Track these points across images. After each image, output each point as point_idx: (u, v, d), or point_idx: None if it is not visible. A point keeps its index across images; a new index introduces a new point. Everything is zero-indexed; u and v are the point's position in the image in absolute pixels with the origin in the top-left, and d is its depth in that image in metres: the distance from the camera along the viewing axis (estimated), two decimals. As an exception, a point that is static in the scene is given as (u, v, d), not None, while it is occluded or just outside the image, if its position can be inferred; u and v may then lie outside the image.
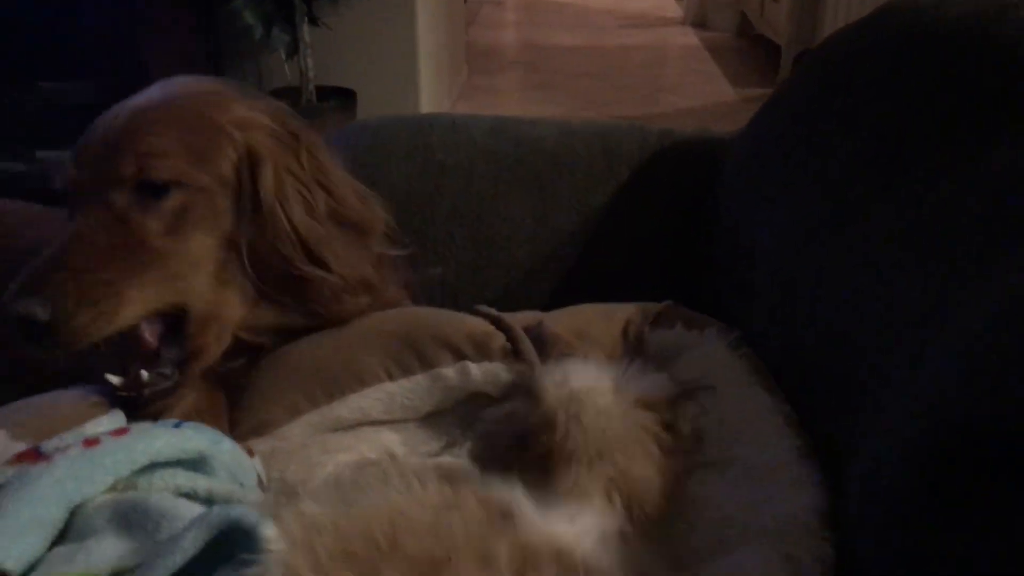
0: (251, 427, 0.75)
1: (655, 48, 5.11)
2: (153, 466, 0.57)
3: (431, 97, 3.22)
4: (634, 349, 0.82)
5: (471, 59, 4.45)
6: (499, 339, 0.81)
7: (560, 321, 0.84)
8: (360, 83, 3.03)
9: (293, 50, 2.87)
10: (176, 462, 0.58)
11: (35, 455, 0.55)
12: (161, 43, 2.69)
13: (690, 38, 5.32)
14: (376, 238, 0.84)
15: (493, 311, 0.84)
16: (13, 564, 0.50)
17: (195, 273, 0.72)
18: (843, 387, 0.70)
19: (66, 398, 0.68)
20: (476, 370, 0.78)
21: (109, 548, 0.51)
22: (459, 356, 0.79)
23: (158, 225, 0.70)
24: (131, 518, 0.52)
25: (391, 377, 0.78)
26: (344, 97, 2.99)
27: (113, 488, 0.56)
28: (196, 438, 0.60)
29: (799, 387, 0.76)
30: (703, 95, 4.01)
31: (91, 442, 0.56)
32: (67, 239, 0.67)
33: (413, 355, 0.78)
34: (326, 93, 2.97)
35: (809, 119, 0.93)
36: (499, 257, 1.08)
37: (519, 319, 0.83)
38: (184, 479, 0.57)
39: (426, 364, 0.78)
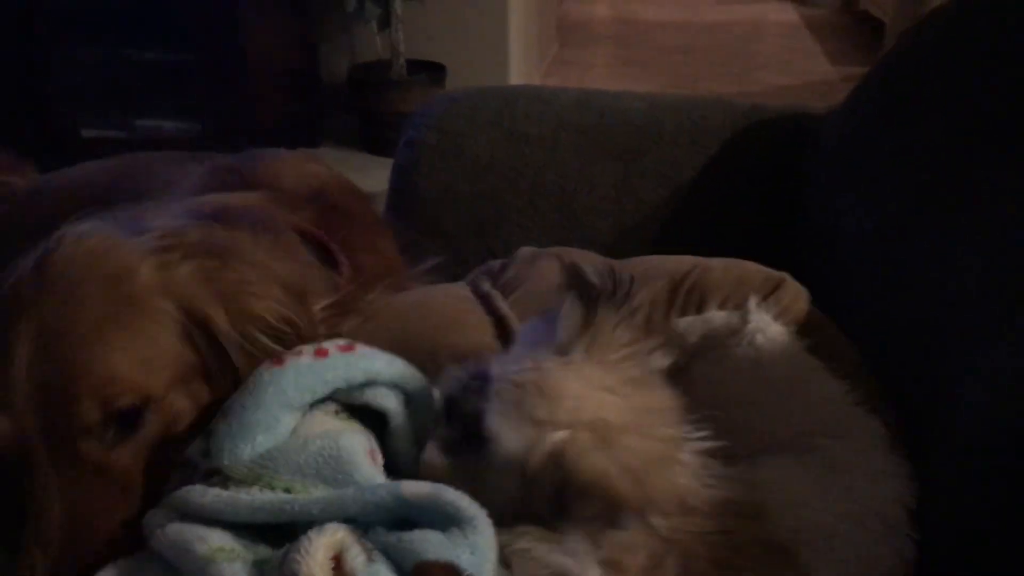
0: None
1: (751, 24, 4.98)
2: (367, 383, 0.60)
3: (520, 71, 3.21)
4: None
5: (562, 33, 4.42)
6: (493, 347, 0.76)
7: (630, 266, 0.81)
8: (450, 57, 3.04)
9: (385, 23, 2.90)
10: (389, 383, 0.61)
11: (279, 359, 0.59)
12: (256, 15, 2.75)
13: (789, 14, 5.17)
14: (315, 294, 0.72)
15: (505, 310, 0.80)
16: (229, 462, 0.55)
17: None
18: (930, 372, 0.68)
19: None
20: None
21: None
22: None
23: (140, 459, 0.60)
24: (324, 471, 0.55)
25: None
26: (434, 71, 3.00)
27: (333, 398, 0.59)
28: (403, 363, 0.62)
29: (882, 371, 0.74)
30: (800, 73, 3.89)
31: (321, 352, 0.59)
32: (56, 520, 0.57)
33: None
34: (416, 67, 2.99)
35: (905, 100, 0.89)
36: (582, 229, 1.08)
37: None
38: (393, 402, 0.60)
39: None
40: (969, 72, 0.81)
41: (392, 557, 0.49)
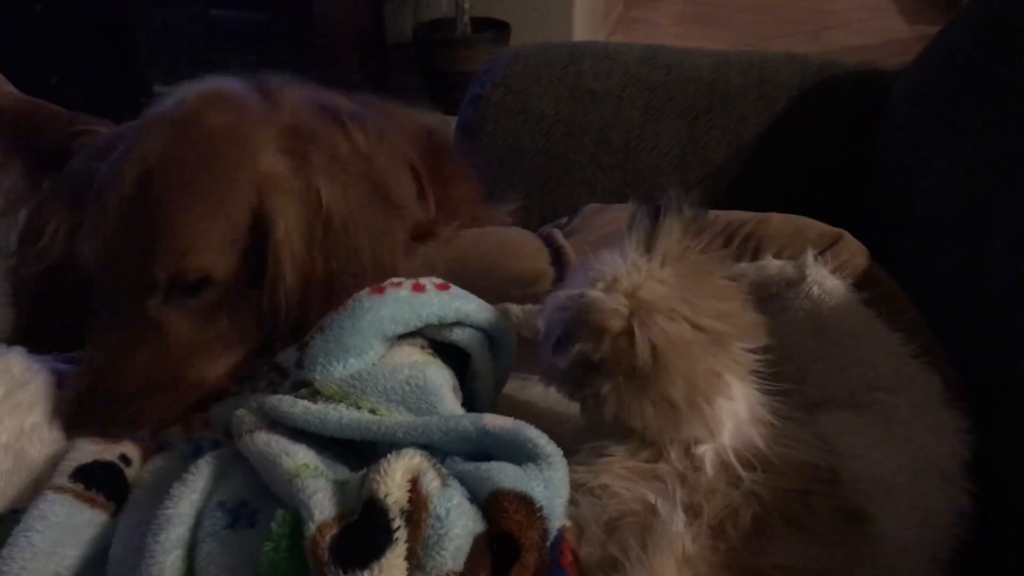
0: None
1: (824, -19, 4.83)
2: (456, 323, 0.62)
3: (585, 29, 3.17)
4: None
5: (628, -9, 4.35)
6: (548, 279, 0.78)
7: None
8: (514, 15, 3.02)
9: (450, -19, 2.90)
10: (477, 325, 0.63)
11: (379, 288, 0.61)
12: (325, -27, 2.77)
13: (863, -30, 5.00)
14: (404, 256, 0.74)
15: (562, 240, 0.82)
16: (321, 378, 0.57)
17: (220, 358, 0.68)
18: (991, 337, 0.67)
19: None
20: (517, 311, 0.75)
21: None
22: (503, 297, 0.75)
23: (190, 325, 0.65)
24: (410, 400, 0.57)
25: None
26: (498, 29, 2.99)
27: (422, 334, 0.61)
28: (491, 309, 0.64)
29: (950, 329, 0.73)
30: (874, 32, 3.77)
31: (419, 287, 0.61)
32: (109, 359, 0.64)
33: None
34: (480, 24, 2.98)
35: (978, 61, 0.86)
36: (646, 186, 1.07)
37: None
38: (479, 344, 0.62)
39: None
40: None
41: (467, 484, 0.50)
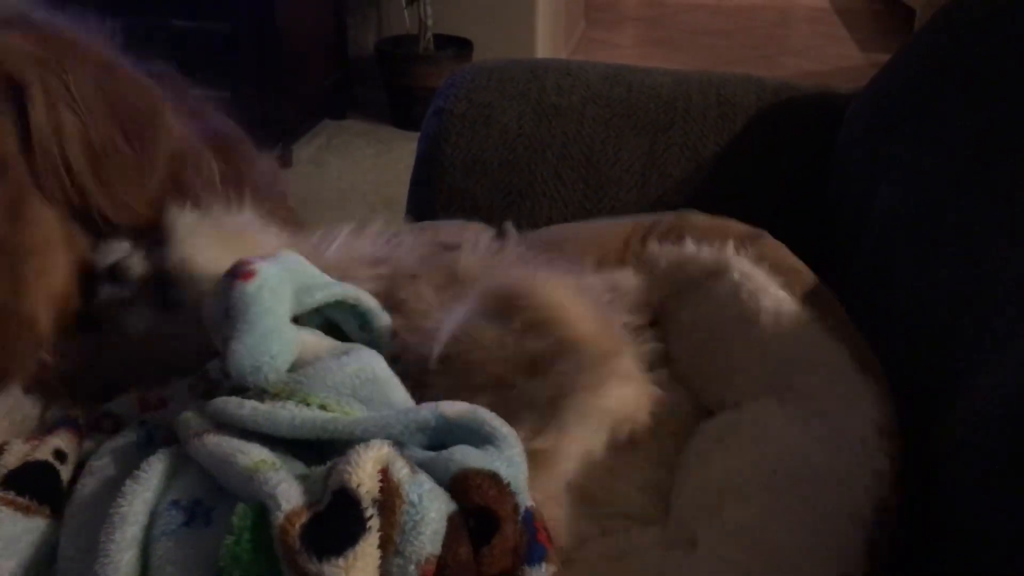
0: None
1: (781, 9, 4.94)
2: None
3: (547, 49, 3.21)
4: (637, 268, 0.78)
5: (589, 12, 4.41)
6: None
7: (563, 234, 0.85)
8: (477, 33, 3.05)
9: (413, -3, 2.91)
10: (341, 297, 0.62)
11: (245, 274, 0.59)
12: (288, -14, 2.76)
13: (819, 0, 5.13)
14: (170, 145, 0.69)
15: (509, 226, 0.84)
16: (254, 380, 0.56)
17: (57, 252, 0.64)
18: (945, 341, 0.69)
19: None
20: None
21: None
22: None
23: (2, 220, 0.60)
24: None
25: None
26: (461, 46, 3.01)
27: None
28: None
29: (904, 335, 0.75)
30: (829, 58, 3.87)
31: (248, 276, 0.58)
32: None
33: None
34: (444, 42, 3.00)
35: (931, 83, 0.90)
36: (608, 200, 1.09)
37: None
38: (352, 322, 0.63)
39: None
40: (1002, 54, 0.81)
41: (430, 471, 0.50)
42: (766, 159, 1.09)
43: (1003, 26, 0.83)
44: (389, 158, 2.83)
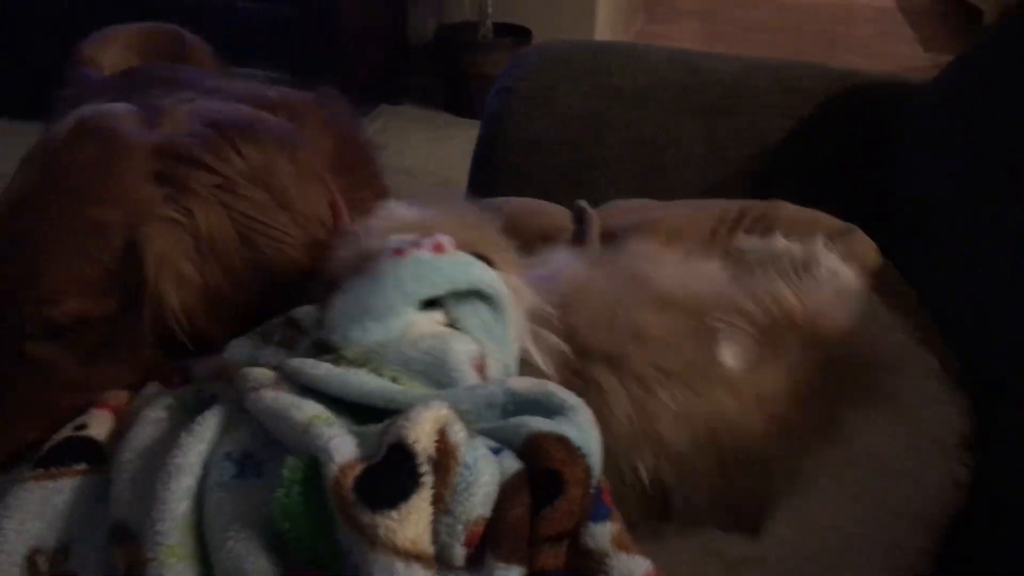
0: None
1: (843, 6, 4.86)
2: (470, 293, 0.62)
3: (606, 39, 3.20)
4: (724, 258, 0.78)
5: (648, 5, 4.39)
6: (568, 232, 0.83)
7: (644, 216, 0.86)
8: (536, 22, 3.05)
9: (474, -15, 2.93)
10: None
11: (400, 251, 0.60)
12: (352, -29, 2.80)
13: (883, -2, 5.04)
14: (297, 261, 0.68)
15: (586, 205, 0.86)
16: (339, 340, 0.57)
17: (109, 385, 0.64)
18: (999, 340, 0.69)
19: None
20: None
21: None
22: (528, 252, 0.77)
23: (74, 359, 0.62)
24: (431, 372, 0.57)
25: None
26: (520, 35, 3.02)
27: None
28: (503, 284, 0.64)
29: (960, 327, 0.75)
30: (891, 58, 3.80)
31: (439, 247, 0.60)
32: (14, 401, 0.62)
33: None
34: (502, 30, 3.01)
35: (1002, 80, 0.89)
36: (666, 182, 1.09)
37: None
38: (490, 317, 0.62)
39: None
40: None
41: (498, 438, 0.50)
42: (828, 147, 1.08)
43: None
44: (444, 144, 2.85)
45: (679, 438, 0.62)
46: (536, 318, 0.66)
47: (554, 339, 0.65)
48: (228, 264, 0.63)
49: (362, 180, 0.78)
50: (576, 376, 0.64)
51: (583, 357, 0.65)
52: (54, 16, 2.66)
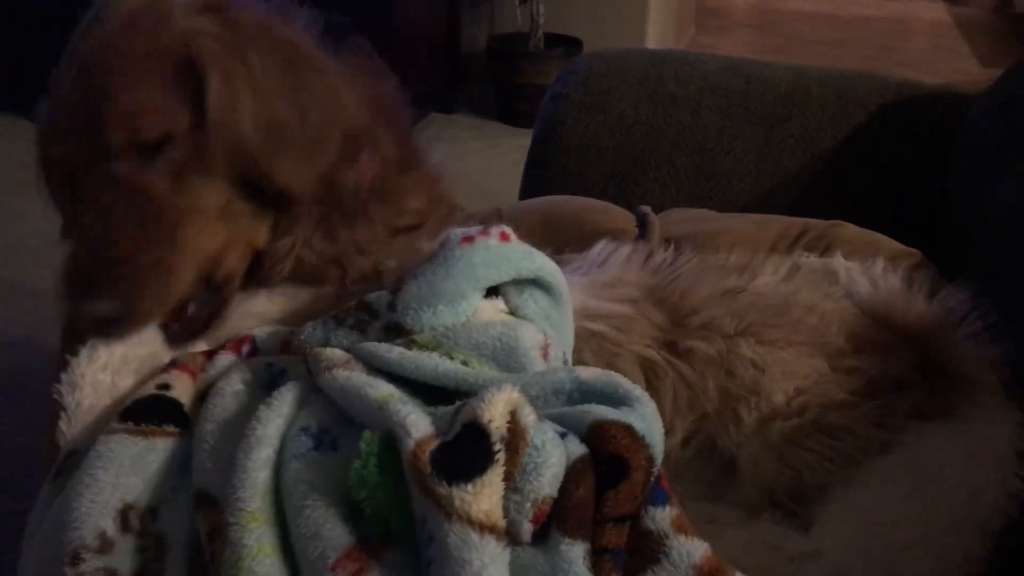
0: None
1: (899, 20, 4.81)
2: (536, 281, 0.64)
3: (656, 52, 3.21)
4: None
5: (699, 18, 4.38)
6: (631, 236, 0.86)
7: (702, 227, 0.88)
8: (588, 33, 3.07)
9: (526, -4, 2.95)
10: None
11: (468, 238, 0.63)
12: (407, -18, 2.84)
13: (940, 13, 4.97)
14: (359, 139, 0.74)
15: (649, 210, 0.89)
16: (411, 322, 0.59)
17: (214, 219, 0.69)
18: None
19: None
20: None
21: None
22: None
23: (166, 184, 0.66)
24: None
25: None
26: (571, 45, 3.04)
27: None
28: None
29: (1015, 338, 0.74)
30: (947, 73, 3.75)
31: (505, 236, 0.63)
32: (94, 224, 0.65)
33: (552, 240, 0.79)
34: (554, 40, 3.03)
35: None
36: (719, 189, 1.10)
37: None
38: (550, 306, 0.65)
39: (559, 250, 0.80)
40: None
41: (565, 423, 0.52)
42: (883, 157, 1.08)
43: None
44: (495, 152, 2.88)
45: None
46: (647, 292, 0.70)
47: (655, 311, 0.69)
48: (277, 90, 0.68)
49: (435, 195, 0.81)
50: (668, 348, 0.67)
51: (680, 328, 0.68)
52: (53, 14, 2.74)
